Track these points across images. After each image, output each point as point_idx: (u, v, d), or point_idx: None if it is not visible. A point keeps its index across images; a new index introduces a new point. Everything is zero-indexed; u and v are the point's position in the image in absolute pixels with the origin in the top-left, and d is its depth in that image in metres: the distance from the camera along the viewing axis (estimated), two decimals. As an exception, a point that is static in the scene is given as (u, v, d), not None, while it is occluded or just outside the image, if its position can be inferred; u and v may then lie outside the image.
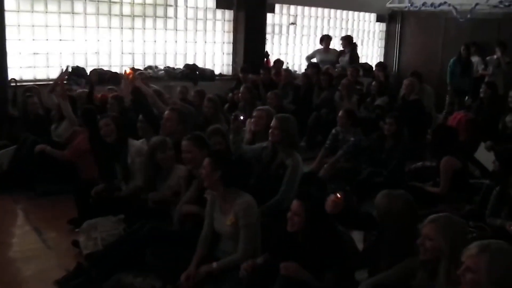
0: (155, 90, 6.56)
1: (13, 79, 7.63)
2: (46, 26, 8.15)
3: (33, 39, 8.07)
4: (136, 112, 5.75)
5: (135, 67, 8.67)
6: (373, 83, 8.89)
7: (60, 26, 8.26)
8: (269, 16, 10.42)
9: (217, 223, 3.61)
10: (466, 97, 9.50)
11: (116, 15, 8.78)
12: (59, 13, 8.23)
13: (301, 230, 3.13)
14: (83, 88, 7.31)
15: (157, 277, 3.68)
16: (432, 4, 11.64)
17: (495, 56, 9.27)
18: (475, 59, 9.81)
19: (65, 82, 7.77)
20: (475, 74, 9.81)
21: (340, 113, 6.40)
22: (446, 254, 2.61)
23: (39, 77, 8.13)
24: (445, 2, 11.30)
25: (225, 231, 3.55)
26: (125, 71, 6.85)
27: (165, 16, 9.32)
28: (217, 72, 10.03)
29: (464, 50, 9.56)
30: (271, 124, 4.47)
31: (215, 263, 3.45)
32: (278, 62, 9.55)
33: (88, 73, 8.27)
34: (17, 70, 7.90)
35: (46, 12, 8.12)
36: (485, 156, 6.23)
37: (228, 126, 5.41)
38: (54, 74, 8.21)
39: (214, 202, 3.68)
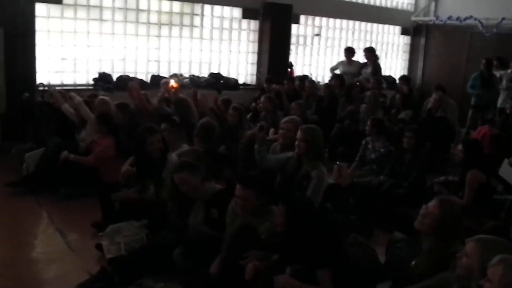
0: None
1: (41, 83, 7.76)
2: (75, 32, 8.28)
3: (62, 45, 8.20)
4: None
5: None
6: (397, 96, 8.85)
7: (88, 33, 8.40)
8: (294, 27, 10.46)
9: None
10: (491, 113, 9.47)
11: (143, 23, 8.89)
12: (88, 19, 8.36)
13: (285, 230, 3.25)
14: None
15: (180, 279, 3.73)
16: (457, 18, 11.53)
17: (509, 70, 9.21)
18: (499, 73, 9.70)
19: (91, 87, 8.03)
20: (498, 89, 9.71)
21: (368, 122, 6.47)
22: (476, 276, 2.54)
23: (66, 82, 8.25)
24: (471, 16, 11.19)
25: None
26: (170, 83, 6.98)
27: (191, 25, 9.41)
28: (241, 81, 10.10)
29: (484, 65, 9.50)
30: (297, 136, 4.46)
31: None
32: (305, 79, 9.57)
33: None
34: (45, 75, 8.03)
35: (75, 18, 8.26)
36: (508, 171, 6.19)
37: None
38: (80, 79, 8.39)
39: (237, 215, 3.68)
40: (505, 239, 4.26)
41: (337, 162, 3.56)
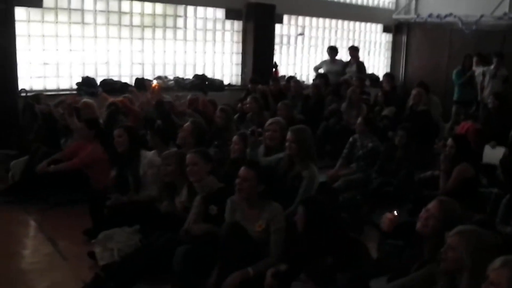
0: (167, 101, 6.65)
1: (23, 89, 7.64)
2: (57, 36, 8.15)
3: (43, 49, 8.07)
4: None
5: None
6: (379, 93, 8.94)
7: (70, 36, 8.27)
8: (277, 26, 10.46)
9: None
10: (473, 108, 9.61)
11: (126, 25, 8.78)
12: (69, 23, 8.24)
13: (305, 231, 3.40)
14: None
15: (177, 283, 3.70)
16: (438, 16, 11.67)
17: (491, 67, 9.35)
18: (479, 70, 9.84)
19: (75, 92, 7.93)
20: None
21: (358, 121, 6.50)
22: (468, 268, 2.59)
23: (49, 87, 8.12)
24: (450, 14, 11.34)
25: (253, 236, 3.61)
26: (152, 83, 6.94)
27: (175, 27, 9.34)
28: (226, 82, 10.06)
29: (467, 61, 9.66)
30: (287, 138, 4.46)
31: (250, 268, 3.47)
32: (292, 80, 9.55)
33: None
34: (27, 80, 7.90)
35: (57, 22, 8.13)
36: (490, 154, 6.53)
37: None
38: (63, 84, 8.27)
39: (235, 209, 3.73)
40: (490, 231, 4.37)
41: (394, 211, 3.49)
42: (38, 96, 7.14)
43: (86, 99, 6.81)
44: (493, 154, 6.58)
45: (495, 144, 6.66)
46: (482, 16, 10.77)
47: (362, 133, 6.39)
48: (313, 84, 8.92)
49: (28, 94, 7.52)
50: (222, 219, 3.77)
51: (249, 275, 3.45)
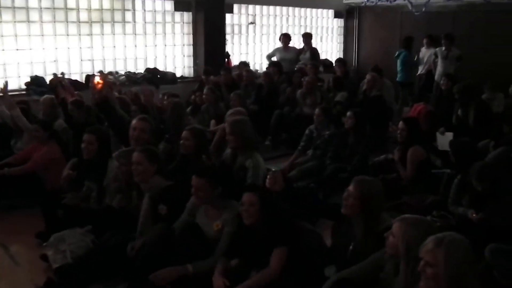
0: (120, 98, 6.56)
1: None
2: (1, 36, 7.97)
3: (-11, 51, 7.89)
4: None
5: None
6: (330, 79, 9.05)
7: (16, 36, 8.09)
8: (228, 16, 10.44)
9: (203, 227, 3.65)
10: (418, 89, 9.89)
11: (73, 22, 8.63)
12: (14, 22, 8.06)
13: (257, 220, 3.31)
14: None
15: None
16: (388, -1, 11.81)
17: (443, 48, 9.58)
18: (430, 51, 10.06)
19: (24, 92, 7.77)
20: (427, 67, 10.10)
21: (316, 111, 6.52)
22: (402, 255, 2.65)
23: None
24: (400, -4, 11.47)
25: (210, 235, 3.60)
26: (95, 79, 6.77)
27: (123, 21, 9.24)
28: (178, 74, 10.01)
29: (406, 43, 9.98)
30: (226, 131, 4.52)
31: (190, 265, 3.43)
32: (244, 65, 9.56)
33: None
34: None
35: (1, 22, 7.93)
36: (442, 142, 6.55)
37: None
38: (12, 84, 8.04)
39: (195, 206, 3.72)
40: (445, 213, 4.49)
41: (273, 169, 3.65)
42: None
43: (49, 96, 6.61)
44: (445, 139, 6.72)
45: (443, 130, 6.80)
46: (431, -3, 10.91)
47: (320, 123, 6.43)
48: (264, 72, 8.94)
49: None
50: (173, 218, 3.75)
51: (188, 272, 3.40)
